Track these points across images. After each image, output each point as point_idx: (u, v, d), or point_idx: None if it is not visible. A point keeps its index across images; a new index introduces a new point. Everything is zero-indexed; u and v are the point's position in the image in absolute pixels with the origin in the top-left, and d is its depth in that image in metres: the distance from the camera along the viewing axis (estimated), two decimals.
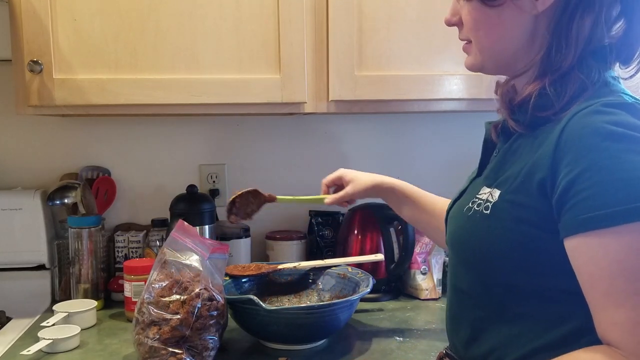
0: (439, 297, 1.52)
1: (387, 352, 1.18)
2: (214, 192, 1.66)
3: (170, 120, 1.65)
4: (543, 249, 0.74)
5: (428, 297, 1.51)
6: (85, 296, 1.43)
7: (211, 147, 1.68)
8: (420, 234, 1.48)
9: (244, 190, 1.28)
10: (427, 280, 1.52)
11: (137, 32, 1.23)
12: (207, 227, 1.50)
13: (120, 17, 1.23)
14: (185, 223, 1.22)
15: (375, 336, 1.27)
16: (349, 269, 1.36)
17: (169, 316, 1.04)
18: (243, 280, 1.35)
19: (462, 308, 0.88)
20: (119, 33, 1.23)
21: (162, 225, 1.55)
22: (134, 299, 1.34)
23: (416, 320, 1.37)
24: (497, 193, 0.79)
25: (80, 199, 1.45)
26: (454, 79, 1.34)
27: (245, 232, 1.61)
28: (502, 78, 0.87)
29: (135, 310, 1.09)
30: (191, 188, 1.52)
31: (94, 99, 1.23)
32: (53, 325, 1.24)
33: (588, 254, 0.68)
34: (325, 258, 1.44)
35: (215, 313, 1.08)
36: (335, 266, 1.37)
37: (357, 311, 1.36)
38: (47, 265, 1.51)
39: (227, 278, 1.30)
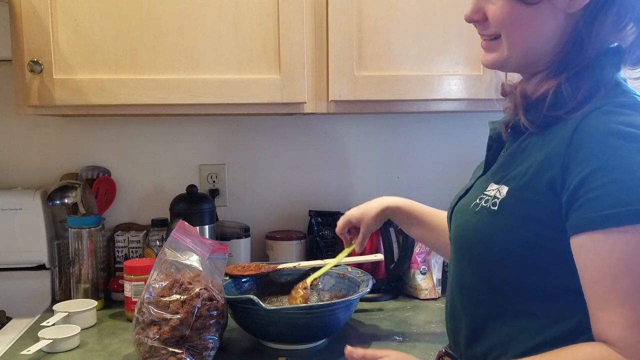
0: (439, 297, 1.52)
1: None
2: (214, 192, 1.66)
3: (170, 120, 1.65)
4: (548, 247, 0.75)
5: (427, 297, 1.51)
6: (85, 296, 1.44)
7: (211, 147, 1.68)
8: None
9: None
10: (427, 280, 1.52)
11: (137, 32, 1.23)
12: (207, 227, 1.50)
13: (120, 18, 1.23)
14: (186, 223, 1.22)
15: (374, 336, 1.27)
16: (349, 269, 1.36)
17: (168, 316, 1.04)
18: (243, 280, 1.35)
19: (464, 306, 0.88)
20: (119, 33, 1.23)
21: (162, 225, 1.55)
22: (134, 299, 1.34)
23: (416, 320, 1.38)
24: (505, 189, 0.79)
25: (80, 199, 1.45)
26: (453, 79, 1.35)
27: (245, 232, 1.61)
28: (511, 79, 0.86)
29: (135, 310, 1.09)
30: (191, 188, 1.52)
31: (94, 99, 1.23)
32: (53, 325, 1.24)
33: (594, 252, 0.68)
34: (325, 258, 1.44)
35: (215, 313, 1.08)
36: (335, 266, 1.37)
37: (356, 311, 1.36)
38: (47, 265, 1.51)
39: (227, 278, 1.31)
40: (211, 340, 1.08)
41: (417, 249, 1.52)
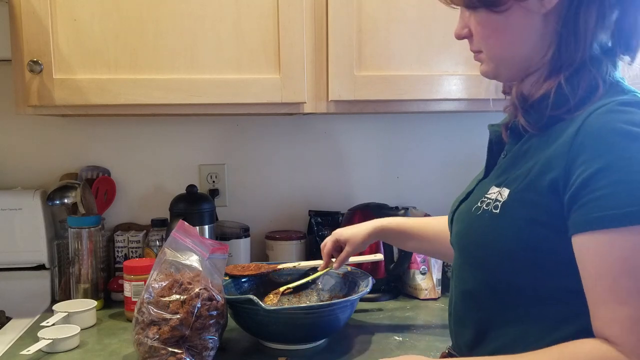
0: (439, 297, 1.52)
1: (386, 351, 1.18)
2: (214, 192, 1.66)
3: (170, 120, 1.65)
4: (551, 249, 0.74)
5: (427, 297, 1.51)
6: (85, 296, 1.44)
7: (211, 147, 1.68)
8: None
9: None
10: (427, 280, 1.52)
11: (136, 32, 1.23)
12: (206, 227, 1.50)
13: (120, 18, 1.23)
14: (186, 223, 1.22)
15: (374, 336, 1.27)
16: (349, 268, 1.36)
17: (168, 316, 1.04)
18: (243, 280, 1.35)
19: (467, 310, 0.87)
20: (118, 33, 1.23)
21: (162, 225, 1.55)
22: (133, 299, 1.34)
23: (415, 320, 1.38)
24: (506, 192, 0.79)
25: (80, 199, 1.45)
26: (453, 79, 1.34)
27: (245, 232, 1.61)
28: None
29: (135, 310, 1.09)
30: (191, 188, 1.52)
31: (94, 99, 1.23)
32: (53, 325, 1.24)
33: (595, 250, 0.69)
34: None
35: (214, 313, 1.08)
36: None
37: (356, 311, 1.36)
38: (47, 265, 1.51)
39: (226, 278, 1.31)
40: (211, 340, 1.08)
41: None
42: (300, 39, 1.28)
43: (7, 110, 1.52)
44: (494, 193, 0.81)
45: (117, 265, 1.55)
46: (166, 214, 1.53)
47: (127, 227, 1.63)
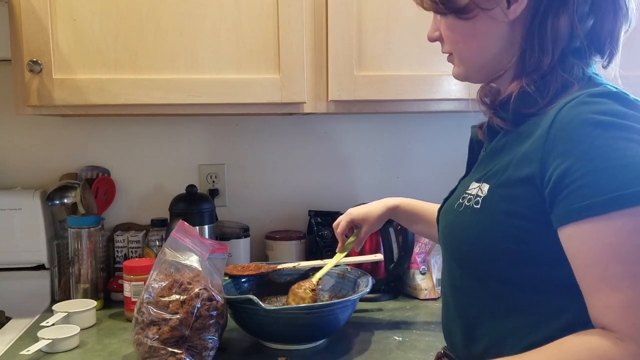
0: (438, 297, 1.52)
1: (386, 351, 1.18)
2: (214, 192, 1.66)
3: (170, 120, 1.65)
4: (532, 240, 0.75)
5: (427, 297, 1.51)
6: (85, 296, 1.44)
7: (211, 147, 1.68)
8: None
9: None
10: (426, 280, 1.52)
11: (136, 32, 1.23)
12: (206, 227, 1.50)
13: (119, 17, 1.23)
14: (186, 223, 1.22)
15: (374, 336, 1.27)
16: (349, 268, 1.36)
17: (168, 316, 1.04)
18: (242, 280, 1.35)
19: (457, 306, 0.88)
20: (118, 33, 1.23)
21: (162, 225, 1.55)
22: (133, 299, 1.34)
23: (415, 320, 1.38)
24: (486, 187, 0.80)
25: (79, 199, 1.45)
26: (452, 79, 1.33)
27: (245, 232, 1.61)
28: None
29: (135, 310, 1.09)
30: (191, 188, 1.52)
31: (94, 99, 1.23)
32: (52, 325, 1.24)
33: (581, 240, 0.69)
34: (325, 258, 1.44)
35: (214, 313, 1.08)
36: (334, 266, 1.37)
37: (356, 311, 1.36)
38: (47, 265, 1.51)
39: (226, 278, 1.31)
40: (211, 341, 1.08)
41: (416, 249, 1.52)
42: (300, 39, 1.28)
43: (7, 110, 1.52)
44: (475, 189, 0.83)
45: (116, 265, 1.55)
46: (166, 214, 1.53)
47: (126, 227, 1.63)
